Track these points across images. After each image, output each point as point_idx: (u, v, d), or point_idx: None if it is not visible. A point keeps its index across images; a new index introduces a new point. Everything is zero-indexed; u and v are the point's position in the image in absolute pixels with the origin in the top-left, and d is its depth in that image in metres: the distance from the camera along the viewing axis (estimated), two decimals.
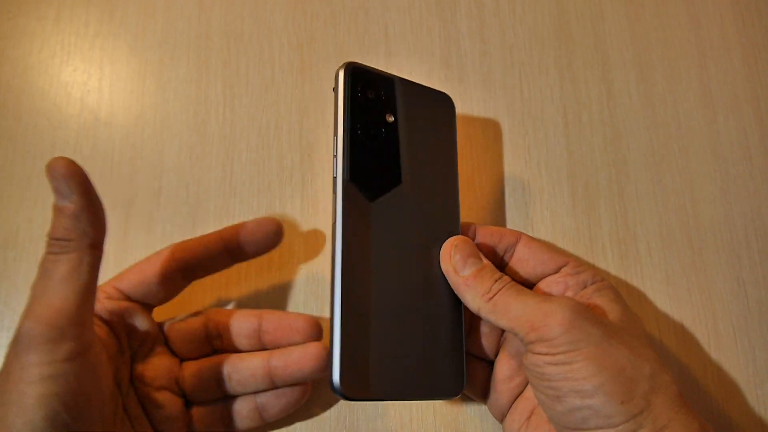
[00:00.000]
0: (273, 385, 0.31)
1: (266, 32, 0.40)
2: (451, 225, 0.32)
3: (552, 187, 0.38)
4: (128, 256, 0.36)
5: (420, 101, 0.32)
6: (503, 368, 0.31)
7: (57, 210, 0.25)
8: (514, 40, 0.40)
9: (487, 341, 0.32)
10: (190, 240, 0.31)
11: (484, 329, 0.32)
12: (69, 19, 0.40)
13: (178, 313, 0.33)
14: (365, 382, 0.27)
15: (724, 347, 0.35)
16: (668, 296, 0.36)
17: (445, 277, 0.30)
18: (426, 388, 0.29)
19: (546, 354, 0.27)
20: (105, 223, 0.26)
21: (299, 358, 0.31)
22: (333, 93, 0.30)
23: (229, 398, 0.32)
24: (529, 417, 0.30)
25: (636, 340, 0.28)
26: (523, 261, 0.32)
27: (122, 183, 0.37)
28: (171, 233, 0.36)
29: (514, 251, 0.32)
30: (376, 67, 0.31)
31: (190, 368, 0.31)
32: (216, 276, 0.33)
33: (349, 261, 0.28)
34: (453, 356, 0.30)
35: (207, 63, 0.40)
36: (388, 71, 0.32)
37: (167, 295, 0.31)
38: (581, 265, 0.32)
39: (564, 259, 0.32)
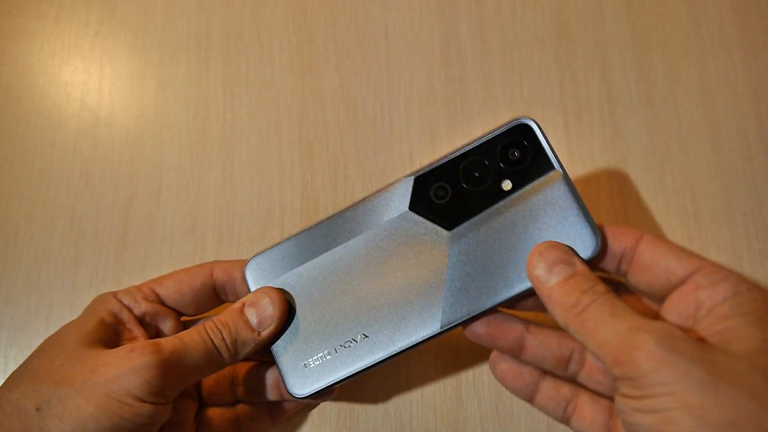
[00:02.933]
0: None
1: (266, 32, 0.40)
2: (453, 305, 0.28)
3: None
4: (128, 255, 0.36)
5: (554, 211, 0.28)
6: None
7: (247, 323, 0.28)
8: (514, 40, 0.40)
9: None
10: (233, 262, 0.31)
11: (590, 358, 0.27)
12: (69, 18, 0.40)
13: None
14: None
15: None
16: None
17: (391, 321, 0.28)
18: (285, 358, 0.29)
19: (632, 397, 0.22)
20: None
21: None
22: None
23: (239, 402, 0.32)
24: None
25: None
26: (645, 269, 0.26)
27: (122, 183, 0.37)
28: (171, 233, 0.36)
29: (633, 256, 0.26)
30: (554, 149, 0.28)
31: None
32: None
33: (343, 218, 0.29)
34: (326, 370, 0.29)
35: (207, 63, 0.39)
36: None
37: (199, 309, 0.31)
38: (720, 271, 0.24)
39: (696, 265, 0.25)
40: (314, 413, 0.34)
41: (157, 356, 0.25)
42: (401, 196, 0.29)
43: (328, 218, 0.30)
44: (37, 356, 0.27)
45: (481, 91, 0.39)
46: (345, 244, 0.29)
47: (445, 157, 0.29)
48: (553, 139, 0.38)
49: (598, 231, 0.27)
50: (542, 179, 0.28)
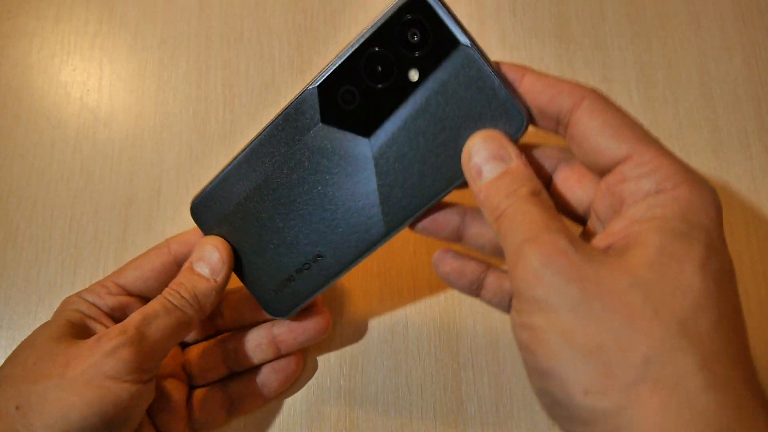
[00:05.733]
0: (278, 353, 0.32)
1: (266, 32, 0.40)
2: (392, 210, 0.27)
3: None
4: (128, 256, 0.36)
5: (475, 91, 0.25)
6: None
7: (200, 276, 0.29)
8: (514, 40, 0.40)
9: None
10: (186, 233, 0.31)
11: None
12: (68, 18, 0.40)
13: None
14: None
15: None
16: None
17: (339, 236, 0.28)
18: (256, 285, 0.30)
19: (516, 311, 0.21)
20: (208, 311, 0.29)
21: (302, 323, 0.32)
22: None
23: (229, 380, 0.32)
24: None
25: (650, 303, 0.19)
26: (577, 142, 0.23)
27: (122, 183, 0.37)
28: (171, 233, 0.36)
29: (568, 123, 0.23)
30: (459, 20, 0.25)
31: (197, 350, 0.32)
32: None
33: (258, 147, 0.29)
34: (293, 292, 0.30)
35: (207, 63, 0.39)
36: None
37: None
38: (650, 162, 0.21)
39: (627, 150, 0.21)
40: (314, 413, 0.33)
41: (124, 336, 0.25)
42: (311, 110, 0.28)
43: (249, 147, 0.29)
44: (10, 361, 0.27)
45: None
46: (273, 170, 0.29)
47: (343, 53, 0.26)
48: (553, 138, 0.38)
49: (523, 106, 0.24)
50: (451, 58, 0.25)
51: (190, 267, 0.29)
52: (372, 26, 0.26)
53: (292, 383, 0.33)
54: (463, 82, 0.25)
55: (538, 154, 0.26)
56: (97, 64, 0.40)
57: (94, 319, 0.29)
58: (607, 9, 0.41)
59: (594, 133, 0.22)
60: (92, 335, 0.28)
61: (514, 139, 0.24)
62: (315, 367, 0.34)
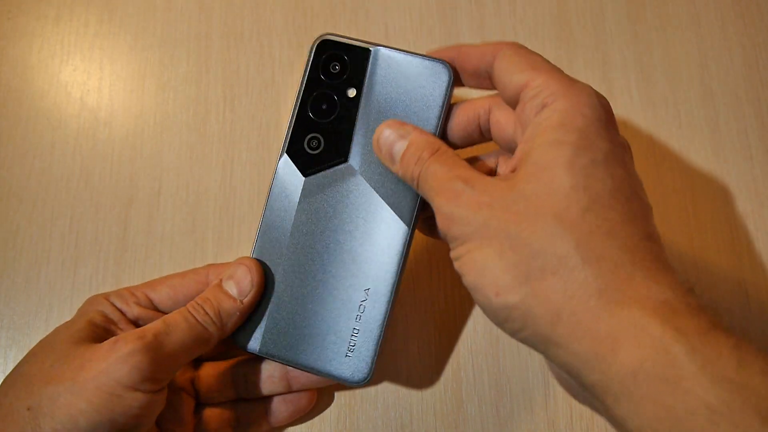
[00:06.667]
0: (288, 389, 0.31)
1: (266, 32, 0.40)
2: (401, 205, 0.29)
3: None
4: (128, 256, 0.36)
5: (404, 73, 0.30)
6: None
7: (227, 294, 0.28)
8: (513, 40, 0.40)
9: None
10: (228, 264, 0.30)
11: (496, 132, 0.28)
12: (69, 18, 0.40)
13: None
14: (257, 336, 0.29)
15: None
16: None
17: (373, 258, 0.29)
18: (325, 362, 0.29)
19: (450, 252, 0.25)
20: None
21: None
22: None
23: (238, 402, 0.32)
24: None
25: (531, 205, 0.22)
26: (496, 82, 0.27)
27: (122, 183, 0.37)
28: (171, 233, 0.36)
29: (491, 72, 0.27)
30: (361, 39, 0.30)
31: (208, 369, 0.32)
32: None
33: (266, 230, 0.30)
34: (365, 343, 0.29)
35: (207, 63, 0.39)
36: (381, 42, 0.31)
37: None
38: (541, 85, 0.24)
39: (526, 78, 0.24)
40: (314, 413, 0.33)
41: (141, 341, 0.25)
42: (291, 175, 0.30)
43: (257, 243, 0.30)
44: (28, 360, 0.27)
45: (481, 91, 0.39)
46: (290, 254, 0.30)
47: (292, 116, 0.30)
48: None
49: (446, 62, 0.29)
50: (369, 66, 0.30)
51: (219, 284, 0.29)
52: (301, 82, 0.30)
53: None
54: (390, 72, 0.30)
55: (471, 104, 0.29)
56: (97, 65, 0.40)
57: (116, 324, 0.28)
58: (607, 9, 0.41)
59: (504, 72, 0.25)
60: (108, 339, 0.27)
61: (449, 88, 0.29)
62: None
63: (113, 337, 0.26)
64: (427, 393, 0.34)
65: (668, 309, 0.20)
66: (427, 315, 0.35)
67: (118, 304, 0.29)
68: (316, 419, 0.33)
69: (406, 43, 0.40)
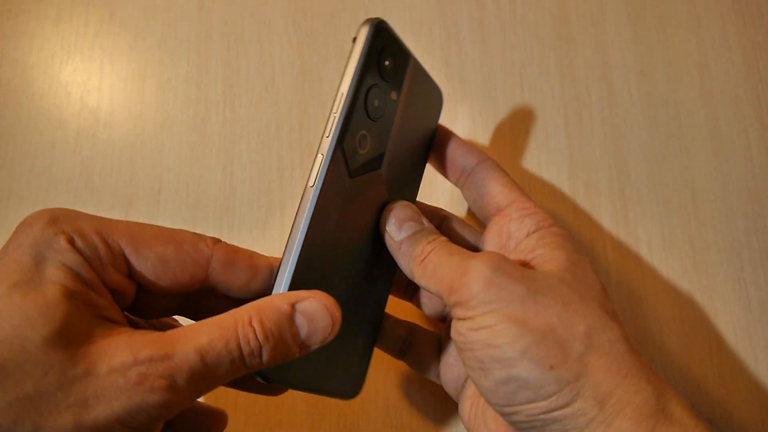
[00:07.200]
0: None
1: (266, 32, 0.40)
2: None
3: (552, 186, 0.37)
4: None
5: (420, 88, 0.30)
6: (449, 343, 0.29)
7: (295, 336, 0.22)
8: (514, 40, 0.40)
9: (429, 311, 0.31)
10: (243, 250, 0.26)
11: (424, 299, 0.31)
12: (69, 18, 0.40)
13: None
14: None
15: (725, 348, 0.35)
16: (669, 297, 0.36)
17: (379, 276, 0.29)
18: (328, 382, 0.26)
19: (465, 318, 0.23)
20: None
21: None
22: (351, 44, 0.26)
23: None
24: (480, 396, 0.27)
25: (576, 293, 0.24)
26: (474, 188, 0.30)
27: (122, 183, 0.37)
28: None
29: (470, 173, 0.30)
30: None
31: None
32: None
33: (311, 235, 0.23)
34: (362, 356, 0.28)
35: (207, 63, 0.39)
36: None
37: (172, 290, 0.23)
38: (528, 208, 0.28)
39: (512, 197, 0.28)
40: (314, 413, 0.33)
41: (172, 395, 0.19)
42: (340, 174, 0.25)
43: (307, 232, 0.24)
44: None
45: (481, 91, 0.39)
46: (330, 248, 0.25)
47: (341, 102, 0.25)
48: (553, 138, 0.38)
49: (438, 87, 0.31)
50: (408, 72, 0.28)
51: (290, 315, 0.22)
52: (355, 68, 0.25)
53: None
54: (415, 84, 0.29)
55: (429, 216, 0.30)
56: (97, 65, 0.40)
57: (95, 301, 0.20)
58: (607, 9, 0.41)
59: (490, 182, 0.29)
60: (95, 327, 0.19)
61: (440, 109, 0.32)
62: None
63: (134, 367, 0.18)
64: (427, 393, 0.34)
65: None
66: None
67: (88, 254, 0.20)
68: (317, 419, 0.33)
69: (406, 43, 0.40)
